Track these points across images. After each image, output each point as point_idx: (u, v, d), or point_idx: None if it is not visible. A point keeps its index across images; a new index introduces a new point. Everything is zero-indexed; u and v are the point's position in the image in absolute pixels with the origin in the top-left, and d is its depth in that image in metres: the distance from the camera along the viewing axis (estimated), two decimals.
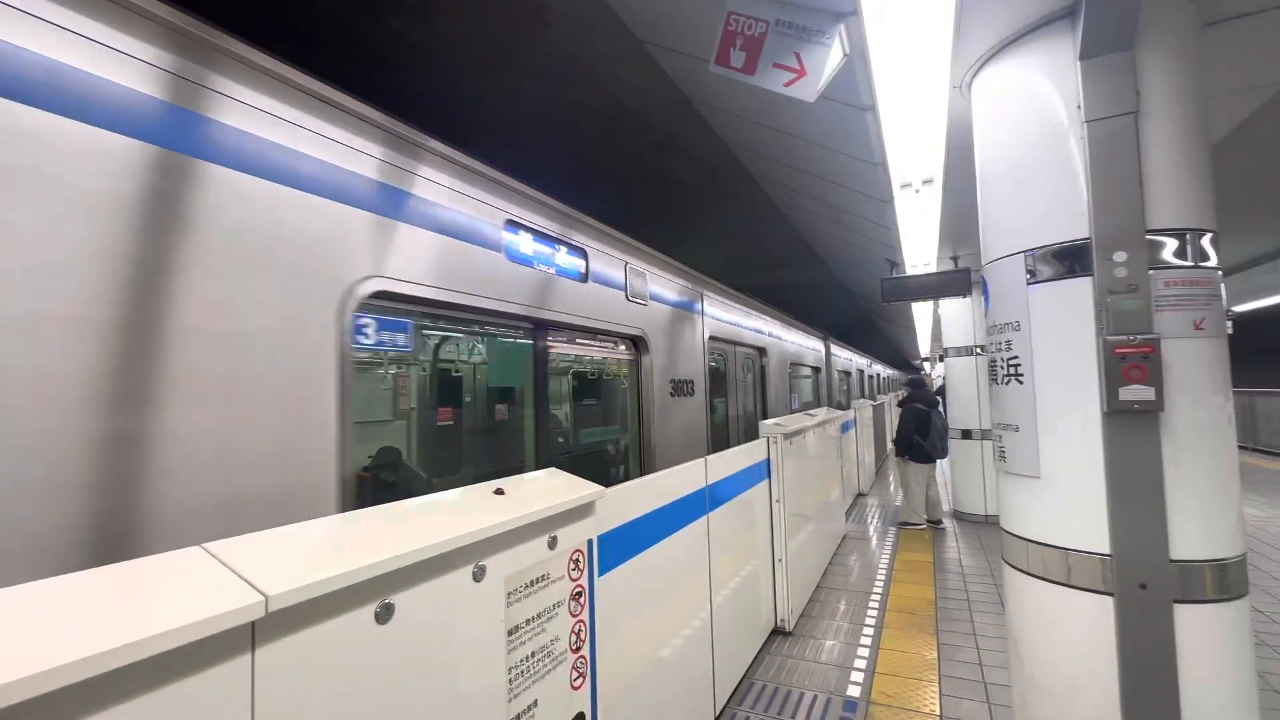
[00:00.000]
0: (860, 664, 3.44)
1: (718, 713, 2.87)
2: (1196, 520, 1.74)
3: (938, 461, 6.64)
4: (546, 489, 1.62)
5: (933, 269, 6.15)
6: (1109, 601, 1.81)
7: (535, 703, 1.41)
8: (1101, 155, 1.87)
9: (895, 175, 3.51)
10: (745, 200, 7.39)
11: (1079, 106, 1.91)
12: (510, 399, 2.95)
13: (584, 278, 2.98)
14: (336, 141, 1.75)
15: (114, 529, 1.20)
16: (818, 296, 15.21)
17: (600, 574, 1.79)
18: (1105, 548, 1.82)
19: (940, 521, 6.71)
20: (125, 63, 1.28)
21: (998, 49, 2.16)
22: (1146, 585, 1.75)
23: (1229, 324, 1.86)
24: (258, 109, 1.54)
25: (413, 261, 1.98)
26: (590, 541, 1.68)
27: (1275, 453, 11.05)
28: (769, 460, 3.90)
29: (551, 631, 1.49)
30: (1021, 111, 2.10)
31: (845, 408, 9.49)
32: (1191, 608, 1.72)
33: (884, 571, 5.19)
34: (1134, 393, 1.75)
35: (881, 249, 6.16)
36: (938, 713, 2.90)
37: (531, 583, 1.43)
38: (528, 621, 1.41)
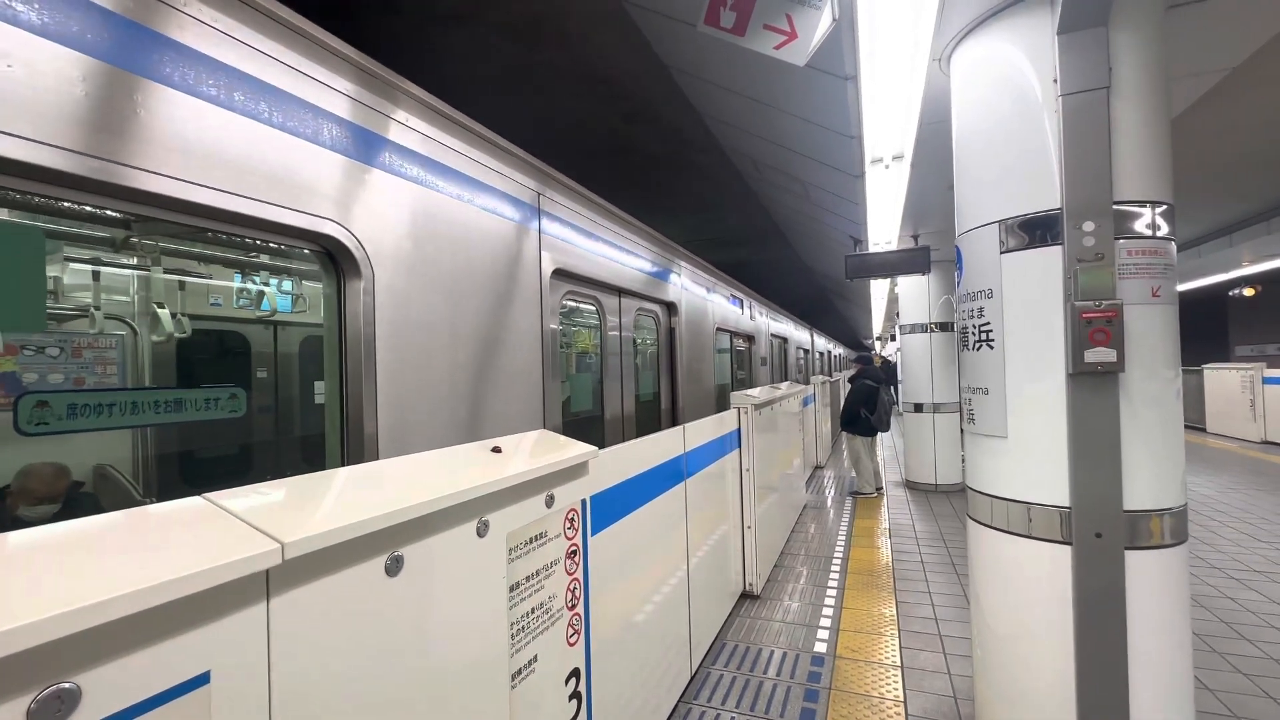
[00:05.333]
0: (825, 622, 3.59)
1: (694, 671, 2.96)
2: (1147, 473, 1.88)
3: (879, 435, 6.98)
4: (541, 448, 1.61)
5: (894, 247, 6.32)
6: (1066, 550, 1.94)
7: (535, 658, 1.42)
8: (1075, 128, 1.94)
9: (869, 149, 3.57)
10: (712, 174, 7.38)
11: (1055, 80, 1.98)
12: None
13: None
14: None
15: None
16: (777, 273, 15.44)
17: (592, 534, 1.79)
18: (1065, 500, 1.94)
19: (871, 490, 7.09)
20: None
21: (979, 21, 2.20)
22: (1101, 534, 1.88)
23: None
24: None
25: None
26: (584, 501, 1.69)
27: (1194, 427, 11.99)
28: (740, 430, 3.97)
29: (549, 589, 1.49)
30: (1000, 84, 2.15)
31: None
32: (1140, 553, 1.87)
33: (843, 537, 5.41)
34: (1098, 355, 1.85)
35: (847, 225, 6.29)
36: (899, 663, 3.08)
37: (531, 540, 1.42)
38: (527, 578, 1.40)
